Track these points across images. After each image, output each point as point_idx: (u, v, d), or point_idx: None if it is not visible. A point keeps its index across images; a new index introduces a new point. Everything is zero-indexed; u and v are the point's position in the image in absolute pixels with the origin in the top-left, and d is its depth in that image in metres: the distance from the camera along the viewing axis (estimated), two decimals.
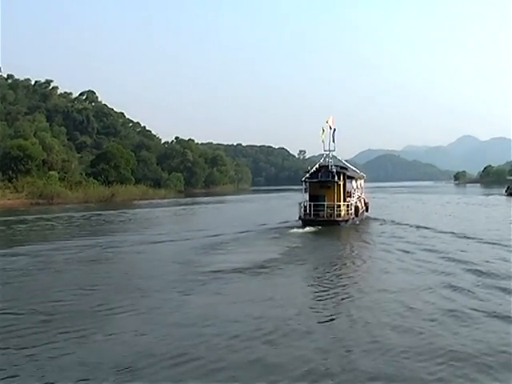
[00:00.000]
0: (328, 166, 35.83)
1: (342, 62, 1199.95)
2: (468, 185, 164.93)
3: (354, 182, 38.48)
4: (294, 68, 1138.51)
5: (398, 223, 33.99)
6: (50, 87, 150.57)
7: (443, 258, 19.04)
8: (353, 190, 37.68)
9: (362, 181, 42.35)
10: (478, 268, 16.77)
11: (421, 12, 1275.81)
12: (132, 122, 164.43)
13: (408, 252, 20.65)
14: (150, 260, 20.70)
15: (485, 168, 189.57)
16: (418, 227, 30.93)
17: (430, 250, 20.93)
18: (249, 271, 17.14)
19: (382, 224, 34.90)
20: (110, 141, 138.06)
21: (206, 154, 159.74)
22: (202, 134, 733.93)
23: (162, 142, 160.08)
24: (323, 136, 36.10)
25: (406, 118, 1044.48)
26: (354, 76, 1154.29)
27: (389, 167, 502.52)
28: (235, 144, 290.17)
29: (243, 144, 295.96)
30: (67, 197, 69.40)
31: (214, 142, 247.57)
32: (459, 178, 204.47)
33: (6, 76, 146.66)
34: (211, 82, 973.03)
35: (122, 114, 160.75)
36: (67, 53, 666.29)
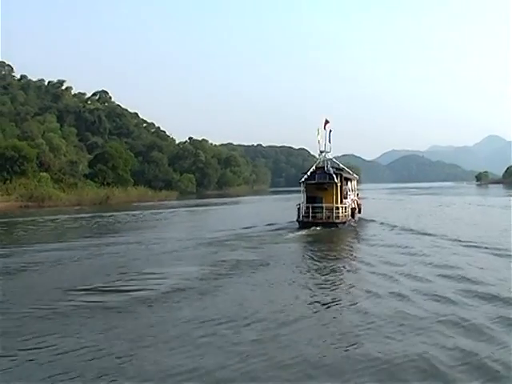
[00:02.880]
0: (324, 167, 35.08)
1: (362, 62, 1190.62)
2: (490, 185, 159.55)
3: (349, 183, 37.89)
4: (307, 68, 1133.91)
5: (389, 225, 33.47)
6: (64, 88, 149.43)
7: (420, 261, 18.78)
8: (348, 192, 37.11)
9: (355, 182, 41.63)
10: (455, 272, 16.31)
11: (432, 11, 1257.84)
12: (146, 122, 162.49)
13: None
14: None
15: (507, 168, 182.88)
16: (404, 229, 30.57)
17: (409, 254, 20.58)
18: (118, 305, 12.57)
19: (374, 226, 34.15)
20: (121, 141, 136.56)
21: (219, 154, 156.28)
22: (224, 135, 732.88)
23: (177, 142, 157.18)
24: (319, 137, 35.62)
25: (430, 118, 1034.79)
26: (381, 75, 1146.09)
27: (412, 168, 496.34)
28: (255, 145, 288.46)
29: (264, 145, 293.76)
30: (59, 199, 66.66)
31: (235, 143, 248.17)
32: (481, 178, 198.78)
33: (19, 77, 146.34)
34: (234, 84, 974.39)
35: (136, 114, 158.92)
36: (87, 54, 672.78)
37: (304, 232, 29.82)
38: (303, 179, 35.07)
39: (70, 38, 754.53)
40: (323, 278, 16.10)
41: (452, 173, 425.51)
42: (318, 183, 34.33)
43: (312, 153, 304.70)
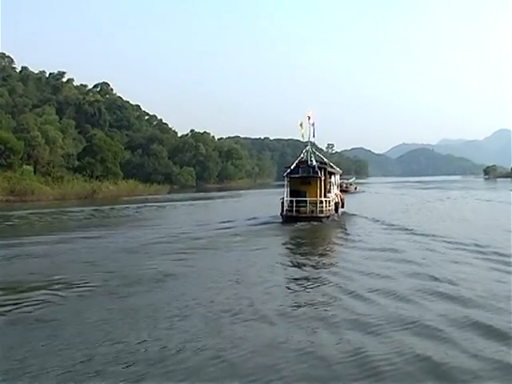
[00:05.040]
0: (308, 160, 35.27)
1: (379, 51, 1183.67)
2: (498, 179, 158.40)
3: (333, 177, 38.20)
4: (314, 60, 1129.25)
5: (372, 220, 33.57)
6: (65, 80, 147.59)
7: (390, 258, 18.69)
8: (332, 186, 37.41)
9: (338, 176, 42.27)
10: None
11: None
12: (148, 114, 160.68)
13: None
14: None
15: None
16: (385, 224, 30.67)
17: (382, 251, 20.43)
18: None
19: (356, 221, 34.34)
20: (122, 134, 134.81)
21: (220, 147, 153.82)
22: (231, 128, 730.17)
23: (180, 135, 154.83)
24: (303, 130, 36.05)
25: (440, 112, 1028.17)
26: (393, 67, 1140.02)
27: (422, 161, 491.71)
28: (262, 138, 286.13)
29: (271, 138, 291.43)
30: (42, 193, 64.03)
31: (242, 136, 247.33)
32: (489, 172, 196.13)
33: (20, 68, 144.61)
34: (241, 76, 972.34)
35: (138, 106, 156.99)
36: (93, 48, 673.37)
37: (274, 231, 28.65)
38: (286, 173, 34.80)
39: (75, 31, 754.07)
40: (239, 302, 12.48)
41: (462, 166, 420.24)
42: (302, 177, 34.06)
43: (319, 146, 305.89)
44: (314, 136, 36.91)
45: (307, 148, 36.11)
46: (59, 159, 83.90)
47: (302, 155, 36.49)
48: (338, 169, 42.10)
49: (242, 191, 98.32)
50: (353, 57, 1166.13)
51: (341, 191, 78.56)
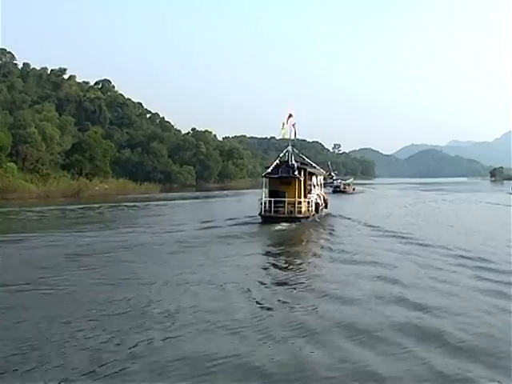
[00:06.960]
0: (288, 161, 34.96)
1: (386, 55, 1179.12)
2: (505, 182, 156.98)
3: (314, 178, 37.94)
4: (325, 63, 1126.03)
5: (355, 221, 33.70)
6: (67, 77, 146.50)
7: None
8: (313, 187, 37.18)
9: (322, 177, 42.02)
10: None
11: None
12: (150, 112, 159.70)
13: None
14: None
15: None
16: (367, 225, 30.90)
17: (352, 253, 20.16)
18: None
19: (337, 222, 34.56)
20: (122, 131, 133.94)
21: (222, 146, 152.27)
22: (238, 128, 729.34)
23: (182, 133, 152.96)
24: (283, 131, 36.33)
25: (450, 113, 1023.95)
26: (398, 70, 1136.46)
27: (430, 162, 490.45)
28: (269, 137, 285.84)
29: (277, 137, 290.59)
30: (26, 191, 61.89)
31: (248, 135, 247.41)
32: (496, 174, 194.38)
33: (21, 65, 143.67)
34: (248, 76, 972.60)
35: (140, 104, 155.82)
36: (99, 46, 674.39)
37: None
38: (265, 173, 35.00)
39: (79, 29, 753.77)
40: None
41: (471, 168, 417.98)
42: (281, 177, 34.14)
43: (326, 146, 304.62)
44: (295, 136, 37.06)
45: (288, 148, 35.50)
46: (55, 156, 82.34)
47: (282, 155, 35.98)
48: (321, 169, 42.48)
49: (240, 191, 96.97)
50: (362, 58, 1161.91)
51: (338, 192, 77.44)
